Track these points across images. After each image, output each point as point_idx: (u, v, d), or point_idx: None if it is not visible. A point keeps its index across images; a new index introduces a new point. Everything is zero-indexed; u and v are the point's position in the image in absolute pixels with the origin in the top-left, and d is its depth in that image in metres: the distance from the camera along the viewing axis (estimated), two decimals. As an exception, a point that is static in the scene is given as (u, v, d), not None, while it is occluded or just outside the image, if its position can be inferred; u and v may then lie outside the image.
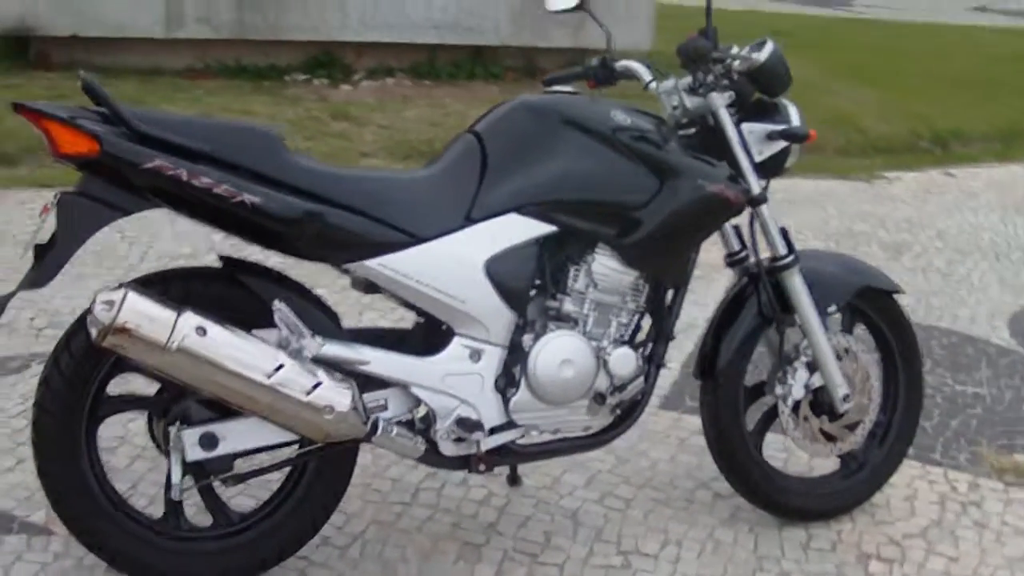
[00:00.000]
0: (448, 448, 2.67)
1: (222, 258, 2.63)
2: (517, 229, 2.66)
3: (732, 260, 3.07)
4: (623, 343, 2.79)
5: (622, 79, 3.03)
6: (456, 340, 2.66)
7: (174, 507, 2.65)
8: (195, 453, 2.53)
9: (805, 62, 8.60)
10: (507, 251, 2.65)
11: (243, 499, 2.90)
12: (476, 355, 2.66)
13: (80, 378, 2.51)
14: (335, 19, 8.04)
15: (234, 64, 7.91)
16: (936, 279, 5.32)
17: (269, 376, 2.39)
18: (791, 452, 3.33)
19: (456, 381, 2.65)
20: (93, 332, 2.34)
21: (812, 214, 6.17)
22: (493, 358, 2.68)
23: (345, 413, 2.45)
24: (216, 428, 2.53)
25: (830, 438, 3.12)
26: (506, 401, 2.72)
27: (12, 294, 2.42)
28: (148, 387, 2.66)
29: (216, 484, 2.66)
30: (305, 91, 7.77)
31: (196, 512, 2.70)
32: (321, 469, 2.69)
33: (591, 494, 3.23)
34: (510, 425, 2.73)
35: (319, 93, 7.73)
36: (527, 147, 2.69)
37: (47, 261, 2.39)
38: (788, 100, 2.98)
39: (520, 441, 2.78)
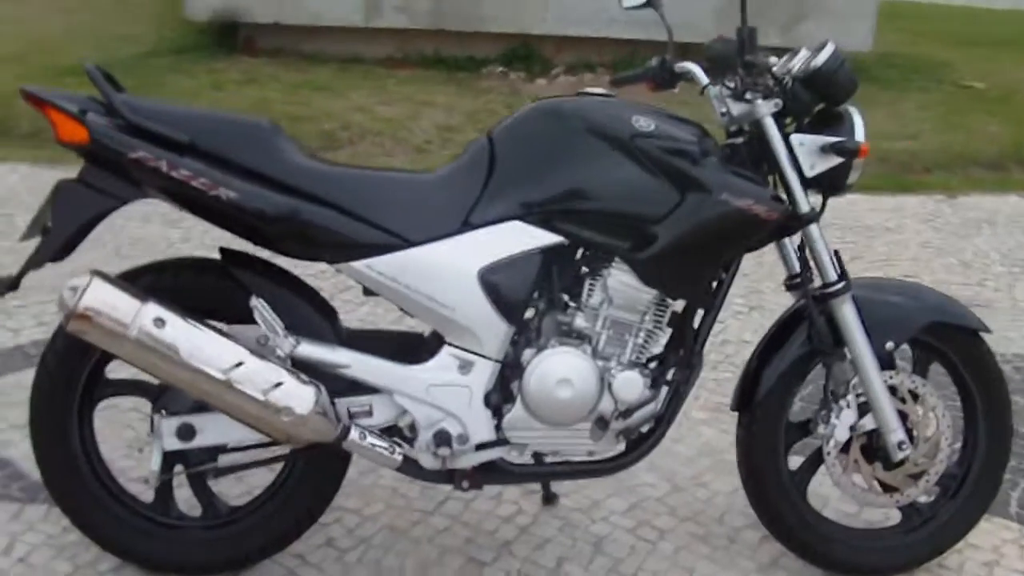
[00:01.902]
0: (428, 461, 2.56)
1: (221, 250, 2.61)
2: (518, 237, 2.51)
3: (791, 284, 2.80)
4: (635, 366, 2.59)
5: (681, 81, 2.80)
6: (445, 350, 2.54)
7: (163, 494, 2.66)
8: (172, 443, 2.53)
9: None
10: (505, 260, 2.50)
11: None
12: (466, 367, 2.53)
13: (73, 360, 2.55)
14: (535, 12, 7.99)
15: (432, 54, 7.99)
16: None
17: (226, 372, 2.35)
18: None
19: (441, 392, 2.53)
20: (61, 316, 2.37)
21: None
22: (484, 371, 2.54)
23: (305, 416, 2.37)
24: (194, 420, 2.52)
25: (888, 488, 2.80)
26: (499, 417, 2.58)
27: (20, 274, 2.47)
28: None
29: (209, 476, 2.65)
30: (499, 84, 7.76)
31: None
32: (308, 471, 2.64)
33: (626, 521, 3.03)
34: (501, 442, 2.59)
35: (513, 86, 7.71)
36: (537, 152, 2.53)
37: (41, 245, 2.44)
38: (856, 110, 2.68)
39: (514, 460, 2.63)
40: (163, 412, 2.54)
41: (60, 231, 2.43)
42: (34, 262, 2.44)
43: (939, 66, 9.30)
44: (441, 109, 6.60)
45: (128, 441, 3.16)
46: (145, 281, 2.52)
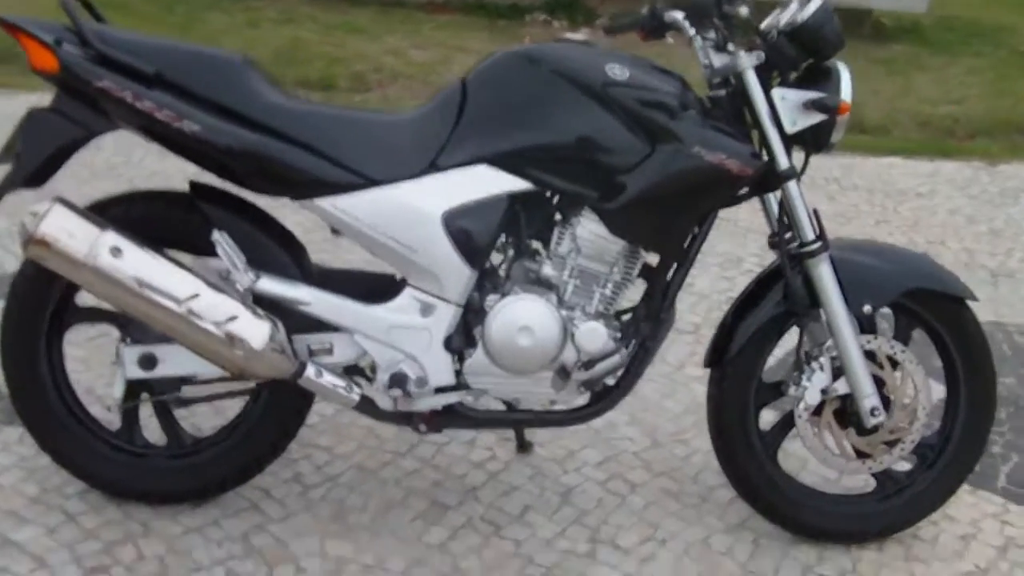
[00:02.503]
0: (384, 402, 2.55)
1: (191, 183, 2.60)
2: (484, 181, 2.48)
3: (774, 241, 2.73)
4: (601, 317, 2.56)
5: (670, 31, 2.73)
6: (407, 292, 2.53)
7: (129, 422, 2.68)
8: (134, 371, 2.55)
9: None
10: (470, 204, 2.47)
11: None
12: (427, 310, 2.52)
13: (41, 287, 2.57)
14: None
15: (475, 1, 7.91)
16: None
17: (180, 304, 2.35)
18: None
19: (401, 334, 2.52)
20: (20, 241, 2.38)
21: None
22: (445, 314, 2.52)
23: (259, 351, 2.37)
24: (156, 350, 2.54)
25: (861, 454, 2.75)
26: (460, 361, 2.56)
27: None
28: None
29: (172, 406, 2.67)
30: (541, 32, 7.68)
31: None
32: (271, 406, 2.65)
33: (599, 474, 3.01)
34: (461, 387, 2.57)
35: (554, 35, 7.61)
36: (507, 97, 2.49)
37: (11, 171, 2.45)
38: (844, 66, 2.60)
39: (472, 405, 2.61)
40: (127, 341, 2.55)
41: (30, 158, 2.44)
42: (4, 187, 2.45)
43: (1000, 31, 9.04)
44: (474, 55, 6.50)
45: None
46: (115, 211, 2.53)
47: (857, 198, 5.34)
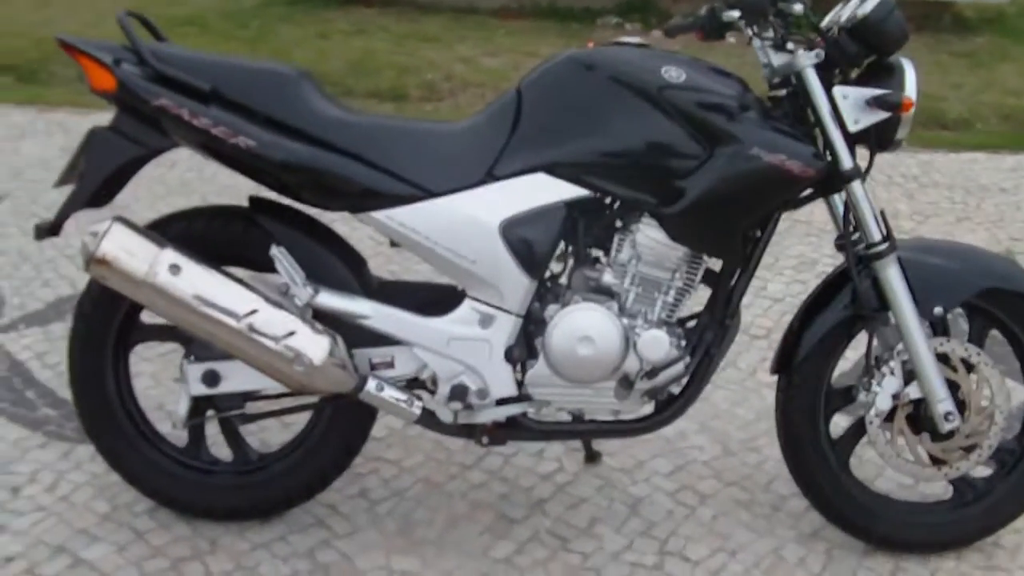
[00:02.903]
0: (445, 414, 2.53)
1: (251, 199, 2.62)
2: (542, 190, 2.45)
3: (840, 243, 2.66)
4: (664, 324, 2.52)
5: (730, 31, 2.68)
6: (466, 303, 2.51)
7: (196, 438, 2.71)
8: (198, 388, 2.56)
9: None
10: (528, 213, 2.45)
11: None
12: (487, 321, 2.50)
13: (107, 305, 2.60)
14: (653, -39, 7.82)
15: (547, 5, 7.89)
16: None
17: (239, 320, 2.36)
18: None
19: (462, 346, 2.50)
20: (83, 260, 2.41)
21: None
22: (505, 325, 2.50)
23: (319, 366, 2.37)
24: (219, 366, 2.55)
25: (937, 460, 2.66)
26: (522, 373, 2.54)
27: (58, 219, 2.51)
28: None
29: (238, 422, 2.69)
30: (613, 35, 7.59)
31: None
32: (334, 421, 2.65)
33: (668, 484, 2.96)
34: (523, 398, 2.55)
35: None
36: (564, 103, 2.46)
37: (75, 191, 2.49)
38: (908, 62, 2.52)
39: (535, 416, 2.58)
40: (191, 358, 2.57)
41: (92, 177, 2.47)
42: (69, 207, 2.49)
43: (1087, 16, 8.78)
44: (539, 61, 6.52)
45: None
46: (175, 229, 2.55)
47: (937, 195, 5.20)
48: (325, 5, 7.69)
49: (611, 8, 7.96)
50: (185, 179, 4.93)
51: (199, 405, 2.63)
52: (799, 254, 4.40)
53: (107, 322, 2.62)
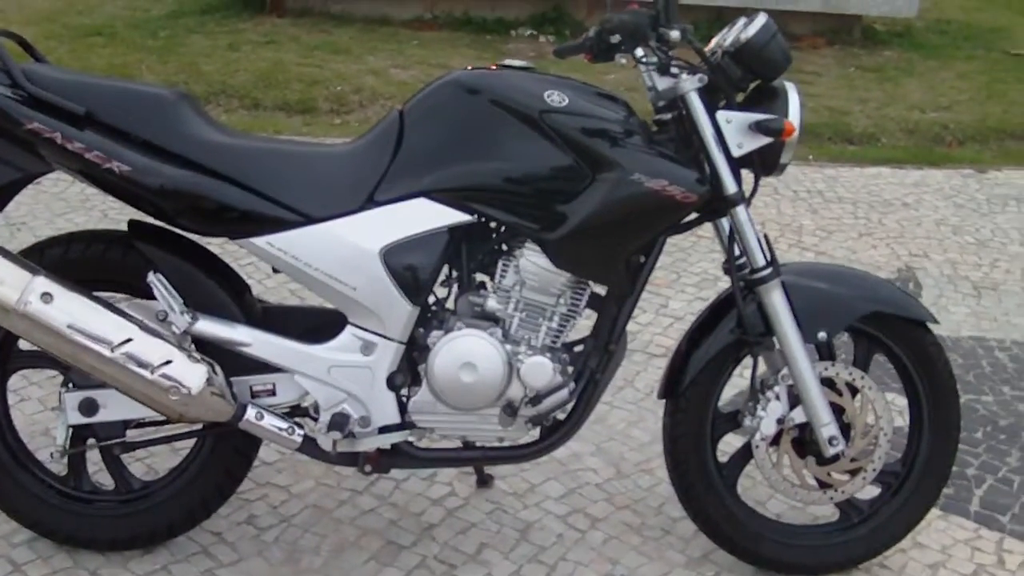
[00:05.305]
0: (325, 443, 2.50)
1: (130, 223, 2.56)
2: (424, 215, 2.43)
3: (726, 268, 2.66)
4: (548, 350, 2.50)
5: (619, 53, 2.67)
6: (348, 330, 2.48)
7: (76, 467, 2.64)
8: (75, 417, 2.51)
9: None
10: (410, 238, 2.42)
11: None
12: (368, 348, 2.47)
13: (-18, 331, 2.53)
14: (565, -28, 7.82)
15: (461, 16, 7.87)
16: None
17: (113, 349, 2.31)
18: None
19: (343, 373, 2.47)
20: None
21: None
22: (387, 352, 2.47)
23: (195, 395, 2.33)
24: (97, 394, 2.50)
25: (823, 484, 2.68)
26: (406, 399, 2.51)
27: None
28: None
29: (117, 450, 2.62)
30: (527, 47, 7.62)
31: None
32: (216, 449, 2.60)
33: (559, 508, 2.95)
34: (406, 426, 2.52)
35: (540, 50, 7.55)
36: (445, 127, 2.44)
37: None
38: (793, 86, 2.54)
39: (419, 444, 2.56)
40: (69, 386, 2.51)
41: None
42: None
43: (993, 33, 8.95)
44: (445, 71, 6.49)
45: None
46: (53, 254, 2.49)
47: (840, 210, 5.27)
48: (237, 15, 7.59)
49: (525, 20, 7.96)
50: (85, 195, 4.81)
51: (79, 433, 2.56)
52: (702, 271, 4.43)
53: (-19, 349, 2.55)
